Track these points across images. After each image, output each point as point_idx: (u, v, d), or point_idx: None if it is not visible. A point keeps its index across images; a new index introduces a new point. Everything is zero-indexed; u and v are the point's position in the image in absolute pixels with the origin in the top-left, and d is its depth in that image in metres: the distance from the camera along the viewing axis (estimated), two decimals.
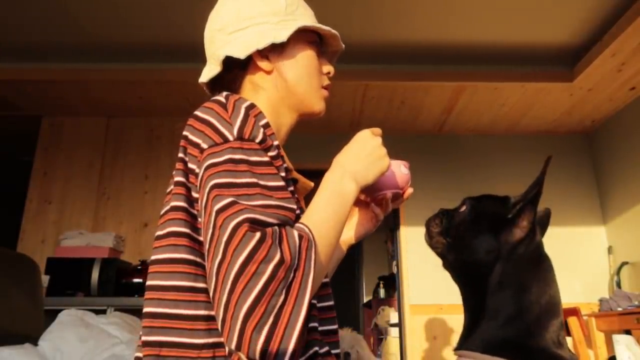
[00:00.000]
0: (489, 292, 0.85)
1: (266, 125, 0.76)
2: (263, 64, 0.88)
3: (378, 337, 5.41)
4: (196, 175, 0.72)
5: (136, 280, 3.06)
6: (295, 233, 0.65)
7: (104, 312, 2.72)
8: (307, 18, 0.91)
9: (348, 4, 2.75)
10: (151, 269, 0.74)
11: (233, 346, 0.59)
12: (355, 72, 3.34)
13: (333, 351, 0.79)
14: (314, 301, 0.77)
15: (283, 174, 0.75)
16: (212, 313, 0.69)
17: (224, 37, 0.88)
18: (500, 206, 0.91)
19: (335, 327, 0.83)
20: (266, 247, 0.61)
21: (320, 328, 0.79)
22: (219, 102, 0.75)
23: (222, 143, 0.71)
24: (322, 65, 0.94)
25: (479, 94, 3.55)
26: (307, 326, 0.63)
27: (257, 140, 0.73)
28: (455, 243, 0.93)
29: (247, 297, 0.59)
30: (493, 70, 3.40)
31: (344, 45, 0.97)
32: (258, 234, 0.61)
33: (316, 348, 0.74)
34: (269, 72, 0.89)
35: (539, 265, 0.89)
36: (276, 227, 0.64)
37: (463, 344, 0.88)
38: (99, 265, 3.04)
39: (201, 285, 0.71)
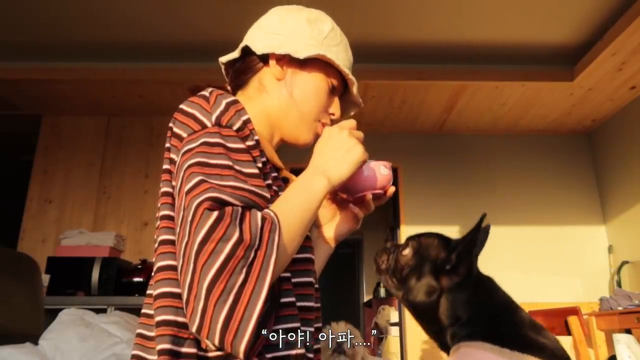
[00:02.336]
0: (444, 324, 0.95)
1: (247, 121, 0.78)
2: (276, 68, 0.90)
3: (378, 337, 5.41)
4: (175, 163, 0.74)
5: (137, 279, 3.06)
6: (259, 214, 0.65)
7: (104, 311, 2.72)
8: (340, 57, 0.92)
9: (349, 3, 2.75)
10: (157, 250, 0.76)
11: (194, 328, 0.59)
12: (355, 71, 3.33)
13: (307, 328, 0.80)
14: (287, 274, 0.78)
15: (260, 165, 0.76)
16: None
17: (260, 33, 0.92)
18: (441, 251, 0.99)
19: (312, 304, 0.83)
20: (224, 226, 0.61)
21: (298, 304, 0.79)
22: (203, 96, 0.78)
23: (200, 130, 0.73)
24: (331, 105, 0.96)
25: (480, 93, 3.55)
26: (267, 307, 0.62)
27: (235, 128, 0.75)
28: (401, 285, 1.01)
29: (207, 275, 0.59)
30: (493, 70, 3.40)
31: (362, 103, 1.01)
32: (215, 213, 0.62)
33: (297, 324, 0.75)
34: (278, 79, 0.91)
35: (480, 286, 0.97)
36: (238, 208, 0.64)
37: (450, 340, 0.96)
38: (99, 265, 3.05)
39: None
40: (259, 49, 0.89)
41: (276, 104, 0.91)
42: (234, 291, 0.59)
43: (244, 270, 0.60)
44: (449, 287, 0.95)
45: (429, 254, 1.00)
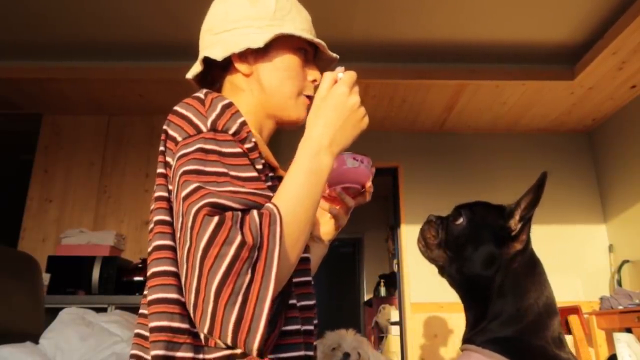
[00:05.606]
0: (490, 300, 0.88)
1: (244, 123, 0.76)
2: (242, 67, 0.88)
3: (379, 336, 5.41)
4: (171, 167, 0.73)
5: (137, 278, 3.07)
6: (255, 212, 0.64)
7: (104, 310, 2.72)
8: (297, 24, 0.88)
9: (349, 2, 2.75)
10: (151, 255, 0.74)
11: (205, 330, 0.60)
12: (355, 71, 3.33)
13: (307, 327, 0.80)
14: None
15: (259, 167, 0.75)
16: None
17: (211, 37, 0.89)
18: (498, 217, 0.92)
19: (312, 302, 0.84)
20: (226, 230, 0.61)
21: (299, 303, 0.80)
22: (197, 98, 0.77)
23: (195, 135, 0.72)
24: (309, 72, 0.92)
25: (480, 92, 3.55)
26: (277, 302, 0.62)
27: (231, 132, 0.74)
28: (456, 256, 0.94)
29: (214, 279, 0.59)
30: (494, 69, 3.39)
31: (337, 55, 0.95)
32: (216, 218, 0.61)
33: (298, 326, 0.76)
34: (247, 75, 0.88)
35: (534, 270, 0.92)
36: (238, 212, 0.64)
37: (466, 341, 0.91)
38: (99, 264, 3.05)
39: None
40: (218, 55, 0.85)
41: (254, 99, 0.89)
42: (242, 292, 0.59)
43: (250, 271, 0.60)
44: (509, 257, 0.88)
45: (486, 221, 0.93)
